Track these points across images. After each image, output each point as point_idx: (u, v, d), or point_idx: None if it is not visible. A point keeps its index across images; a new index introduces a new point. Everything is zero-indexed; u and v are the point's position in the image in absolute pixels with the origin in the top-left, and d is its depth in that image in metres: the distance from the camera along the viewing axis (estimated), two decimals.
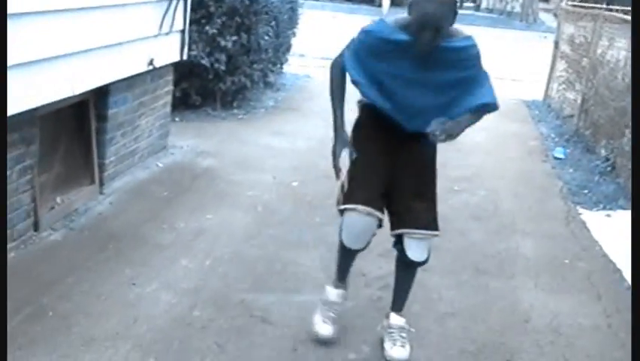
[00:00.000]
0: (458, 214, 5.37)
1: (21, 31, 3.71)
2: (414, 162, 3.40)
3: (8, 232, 3.98)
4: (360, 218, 3.32)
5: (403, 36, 3.09)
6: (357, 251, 3.48)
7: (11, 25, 3.47)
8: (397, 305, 3.54)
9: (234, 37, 7.59)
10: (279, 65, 9.89)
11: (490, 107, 3.29)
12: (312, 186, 5.73)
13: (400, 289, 3.56)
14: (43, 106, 4.15)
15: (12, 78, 3.64)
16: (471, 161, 6.92)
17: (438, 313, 3.90)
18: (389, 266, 3.87)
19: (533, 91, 11.09)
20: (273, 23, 8.64)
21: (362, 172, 3.36)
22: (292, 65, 10.83)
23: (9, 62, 3.51)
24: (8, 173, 3.94)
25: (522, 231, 5.28)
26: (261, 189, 5.58)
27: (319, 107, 8.71)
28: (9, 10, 3.41)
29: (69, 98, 4.46)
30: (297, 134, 7.43)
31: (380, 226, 3.38)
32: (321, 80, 10.80)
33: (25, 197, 4.17)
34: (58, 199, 4.63)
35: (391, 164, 3.37)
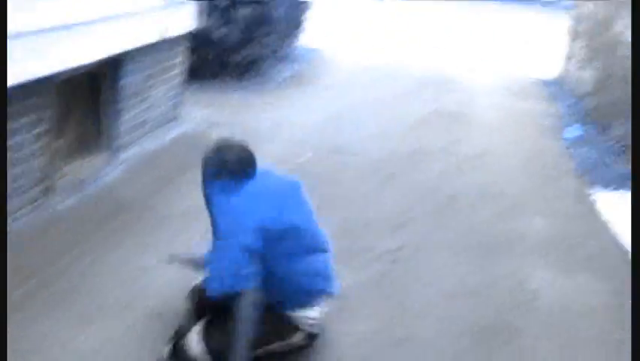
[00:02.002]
0: (468, 192, 5.35)
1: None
2: None
3: (20, 198, 4.01)
4: None
5: None
6: None
7: None
8: None
9: (248, 9, 7.55)
10: (293, 37, 9.84)
11: None
12: (323, 160, 5.72)
13: None
14: (59, 73, 4.16)
15: (30, 45, 3.67)
16: (483, 139, 6.87)
17: (445, 292, 3.90)
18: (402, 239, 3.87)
19: (550, 69, 10.98)
20: None
21: None
22: (307, 38, 10.77)
23: (28, 28, 3.56)
24: (23, 138, 3.96)
25: (532, 209, 5.25)
26: (272, 161, 5.56)
27: (333, 79, 8.68)
28: None
29: (83, 66, 4.47)
30: (309, 107, 7.39)
31: None
32: (335, 53, 10.77)
33: (39, 163, 4.19)
34: (70, 167, 4.65)
35: None
